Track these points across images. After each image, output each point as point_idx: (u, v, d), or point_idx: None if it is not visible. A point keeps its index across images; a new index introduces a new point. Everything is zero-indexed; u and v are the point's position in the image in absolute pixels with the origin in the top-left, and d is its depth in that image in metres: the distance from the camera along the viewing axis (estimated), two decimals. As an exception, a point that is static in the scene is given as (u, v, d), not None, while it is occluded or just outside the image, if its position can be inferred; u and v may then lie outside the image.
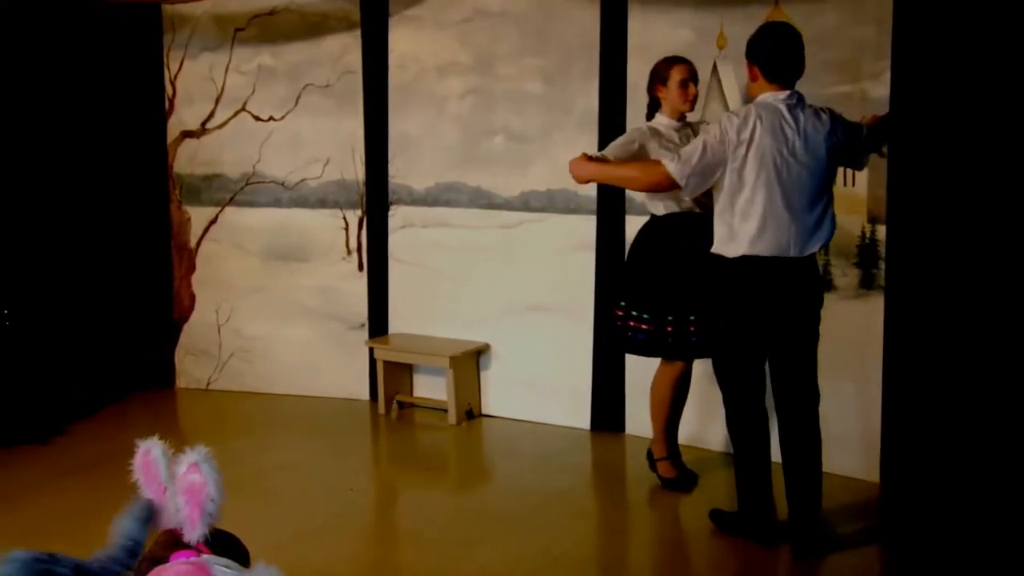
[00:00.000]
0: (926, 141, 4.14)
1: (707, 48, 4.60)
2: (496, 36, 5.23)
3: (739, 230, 3.55)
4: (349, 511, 4.22)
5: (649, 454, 4.42)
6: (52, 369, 5.44)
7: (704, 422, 4.76)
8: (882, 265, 4.27)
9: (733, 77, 4.56)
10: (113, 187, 5.94)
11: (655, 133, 4.11)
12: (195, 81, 5.88)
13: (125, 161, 5.96)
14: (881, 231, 4.26)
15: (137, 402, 5.81)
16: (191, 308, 6.06)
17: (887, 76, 4.16)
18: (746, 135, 3.50)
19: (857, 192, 4.31)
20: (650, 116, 4.22)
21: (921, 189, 4.17)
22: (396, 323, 5.66)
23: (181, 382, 6.09)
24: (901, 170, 4.20)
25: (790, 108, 3.56)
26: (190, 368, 6.08)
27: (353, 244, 5.73)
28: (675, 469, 4.34)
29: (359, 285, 5.74)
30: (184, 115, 5.94)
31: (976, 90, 4.02)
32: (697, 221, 4.05)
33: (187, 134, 5.95)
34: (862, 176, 4.28)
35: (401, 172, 5.57)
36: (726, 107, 4.58)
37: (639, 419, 4.86)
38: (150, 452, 1.82)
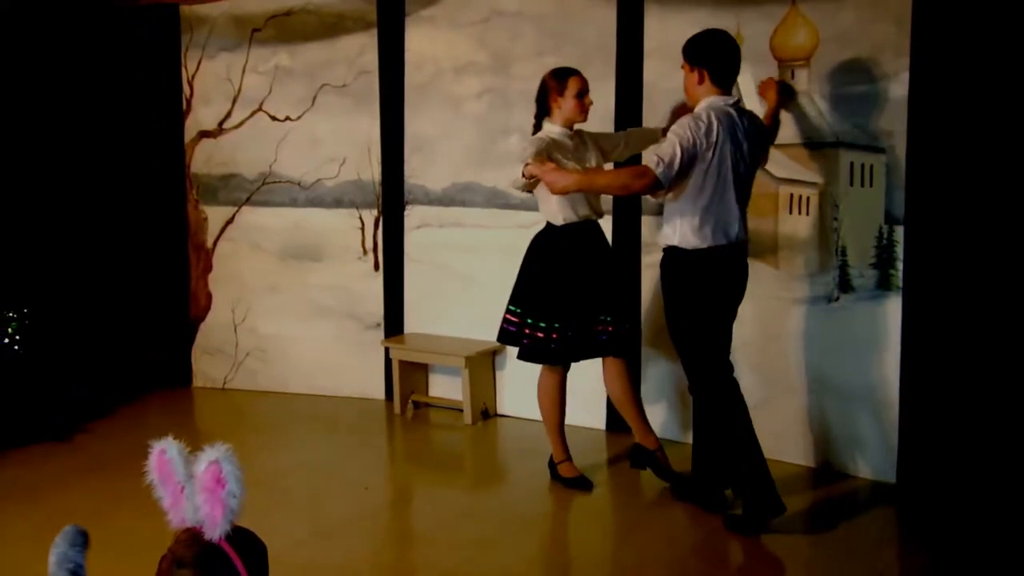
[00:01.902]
0: (945, 141, 4.11)
1: (724, 48, 4.59)
2: (513, 36, 5.23)
3: (701, 226, 3.81)
4: (364, 510, 4.23)
5: (551, 461, 4.47)
6: (70, 367, 5.47)
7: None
8: (900, 266, 4.24)
9: (750, 78, 4.54)
10: (131, 187, 5.97)
11: (554, 143, 4.16)
12: (212, 81, 5.90)
13: (143, 161, 5.99)
14: (899, 232, 4.24)
15: (154, 401, 5.84)
16: (208, 307, 6.08)
17: (906, 76, 4.14)
18: (713, 138, 3.75)
19: (874, 193, 4.29)
20: (537, 126, 4.28)
21: (940, 190, 4.15)
22: (412, 323, 5.67)
23: (197, 381, 6.12)
24: (920, 170, 4.17)
25: (738, 113, 3.87)
26: (206, 367, 6.11)
27: (369, 244, 5.74)
28: (575, 469, 4.42)
29: (375, 285, 5.75)
30: (201, 115, 5.96)
31: (996, 90, 3.99)
32: (594, 229, 4.28)
33: (204, 134, 5.97)
34: (879, 176, 4.26)
35: (417, 172, 5.57)
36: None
37: (655, 419, 4.84)
38: (166, 452, 1.82)
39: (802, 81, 4.43)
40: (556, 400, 4.39)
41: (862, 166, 4.32)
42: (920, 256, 4.21)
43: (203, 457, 1.78)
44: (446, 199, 5.49)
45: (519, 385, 5.33)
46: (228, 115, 5.91)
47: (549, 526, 4.08)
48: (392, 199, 5.66)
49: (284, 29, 5.74)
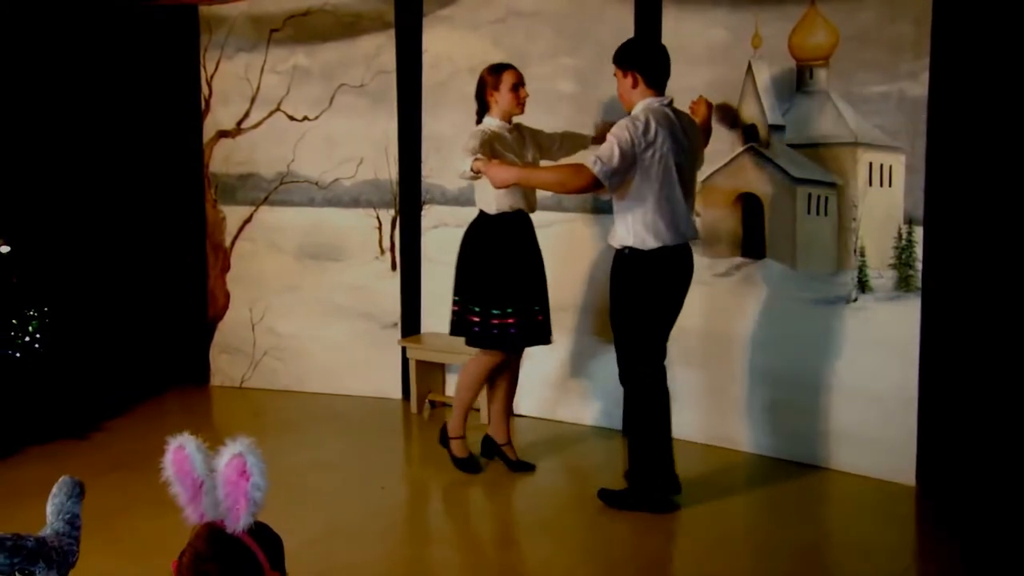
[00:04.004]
0: (964, 141, 4.09)
1: (742, 48, 4.58)
2: (529, 36, 5.23)
3: (653, 224, 3.90)
4: (381, 509, 4.24)
5: (444, 431, 4.65)
6: (90, 366, 5.51)
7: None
8: (919, 267, 4.22)
9: (768, 77, 4.53)
10: (150, 186, 6.01)
11: (495, 135, 4.29)
12: (231, 81, 5.93)
13: (162, 161, 6.03)
14: (918, 232, 4.21)
15: (172, 399, 5.87)
16: (225, 307, 6.11)
17: (925, 76, 4.11)
18: (651, 137, 3.84)
19: (894, 193, 4.27)
20: (479, 120, 4.43)
21: (959, 190, 4.12)
22: (428, 322, 5.67)
23: (215, 380, 6.15)
24: (939, 170, 4.15)
25: (674, 112, 3.99)
26: (224, 366, 6.13)
27: (386, 243, 5.75)
28: (467, 449, 4.58)
29: (392, 284, 5.76)
30: (220, 115, 5.99)
31: (1016, 89, 3.97)
32: (525, 221, 4.41)
33: (223, 134, 6.00)
34: (899, 177, 4.24)
35: (434, 172, 5.58)
36: (760, 108, 4.56)
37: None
38: (184, 447, 1.82)
39: (821, 81, 4.41)
40: (480, 382, 4.54)
41: (881, 166, 4.30)
42: (939, 257, 4.19)
43: (227, 450, 1.78)
44: (463, 199, 5.48)
45: (535, 385, 5.33)
46: (246, 115, 5.93)
47: (565, 526, 4.07)
48: (409, 199, 5.67)
49: (302, 29, 5.76)
